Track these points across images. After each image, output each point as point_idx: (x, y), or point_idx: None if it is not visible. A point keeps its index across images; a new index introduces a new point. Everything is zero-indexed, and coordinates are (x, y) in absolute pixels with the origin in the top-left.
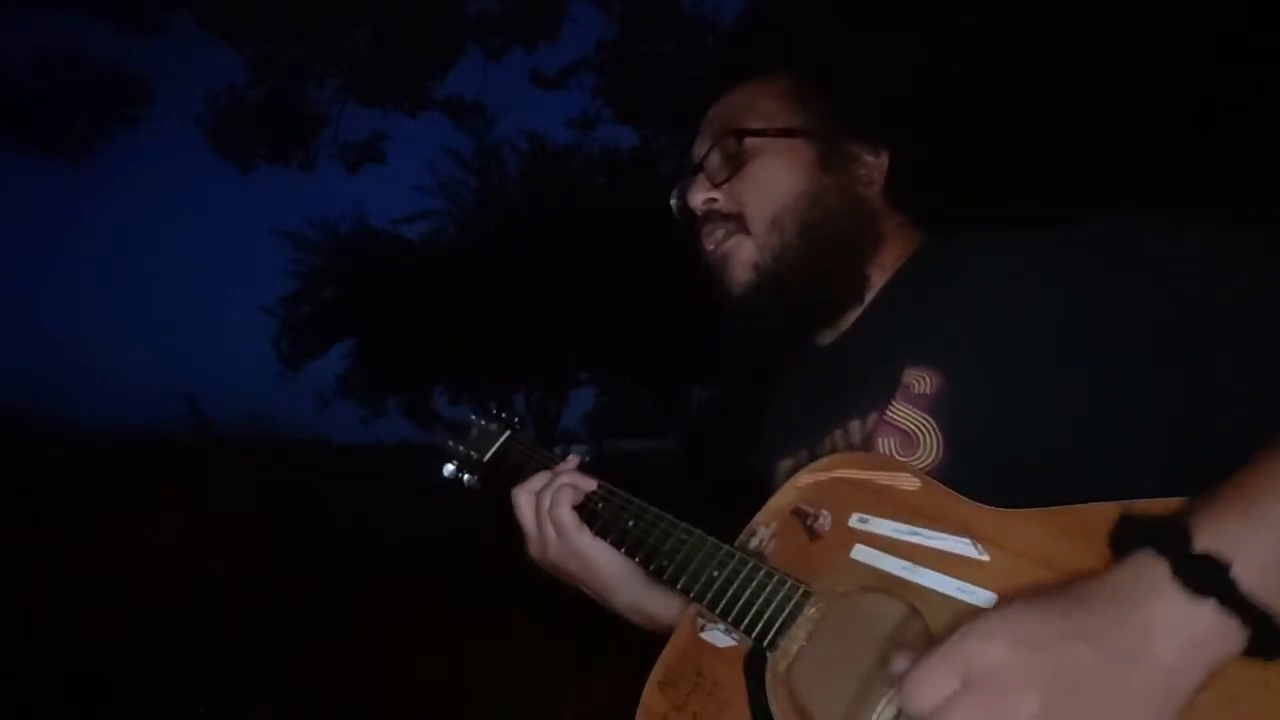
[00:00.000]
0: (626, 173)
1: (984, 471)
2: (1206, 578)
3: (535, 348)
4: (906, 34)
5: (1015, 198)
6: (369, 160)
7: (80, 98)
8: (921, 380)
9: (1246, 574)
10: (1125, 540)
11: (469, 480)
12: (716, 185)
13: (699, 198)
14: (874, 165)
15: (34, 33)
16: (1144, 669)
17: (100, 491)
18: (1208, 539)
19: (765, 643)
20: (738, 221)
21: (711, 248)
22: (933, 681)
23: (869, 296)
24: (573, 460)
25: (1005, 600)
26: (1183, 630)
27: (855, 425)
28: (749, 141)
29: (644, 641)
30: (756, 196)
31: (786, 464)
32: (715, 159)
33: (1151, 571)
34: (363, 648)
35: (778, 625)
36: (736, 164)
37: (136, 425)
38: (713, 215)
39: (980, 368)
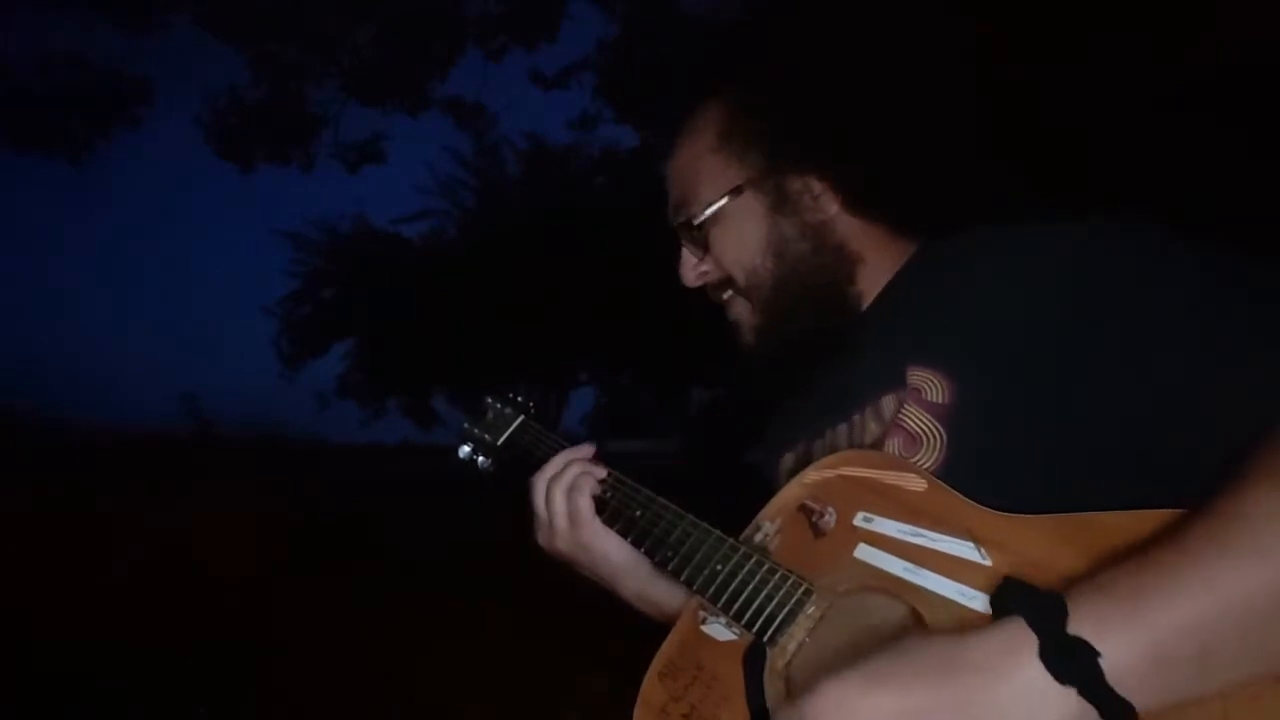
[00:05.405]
0: (626, 173)
1: (985, 476)
2: (1073, 663)
3: (535, 348)
4: (856, 47)
5: (1001, 202)
6: (369, 160)
7: (80, 98)
8: (931, 385)
9: (1115, 666)
10: (1003, 602)
11: (483, 463)
12: (700, 259)
13: (690, 276)
14: (824, 190)
15: (34, 33)
16: None
17: (100, 491)
18: (1084, 623)
19: (765, 638)
20: (730, 284)
21: (727, 313)
22: None
23: (867, 303)
24: (588, 448)
25: (851, 663)
26: (1040, 712)
27: (856, 419)
28: (706, 214)
29: (644, 641)
30: (731, 262)
31: (788, 458)
32: (687, 237)
33: (1020, 645)
34: (362, 647)
35: (778, 621)
36: (704, 238)
37: (136, 425)
38: (709, 285)
39: (990, 373)
